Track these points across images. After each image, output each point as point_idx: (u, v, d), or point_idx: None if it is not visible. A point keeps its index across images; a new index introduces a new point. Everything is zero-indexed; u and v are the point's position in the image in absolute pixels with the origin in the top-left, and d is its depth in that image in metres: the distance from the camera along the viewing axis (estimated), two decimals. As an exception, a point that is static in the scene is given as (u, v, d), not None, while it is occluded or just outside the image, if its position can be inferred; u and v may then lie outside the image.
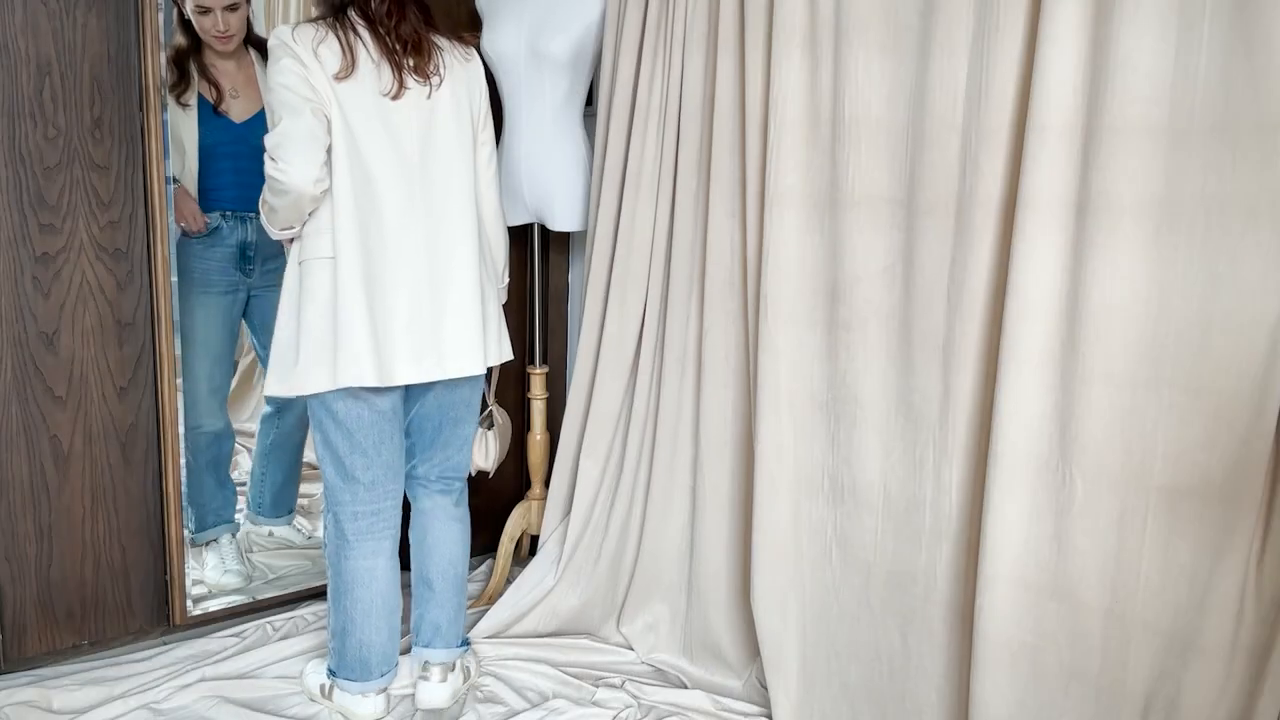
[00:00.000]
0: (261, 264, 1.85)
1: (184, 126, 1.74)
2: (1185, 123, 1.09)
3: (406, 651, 1.61)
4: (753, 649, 1.58)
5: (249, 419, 2.03)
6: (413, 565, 1.57)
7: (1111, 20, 1.11)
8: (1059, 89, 1.15)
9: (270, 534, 2.02)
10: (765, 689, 1.54)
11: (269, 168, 1.29)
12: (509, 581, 1.94)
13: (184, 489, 1.72)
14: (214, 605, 1.80)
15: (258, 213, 1.39)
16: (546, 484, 1.95)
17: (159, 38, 1.57)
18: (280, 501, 2.03)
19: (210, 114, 1.77)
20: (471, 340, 1.42)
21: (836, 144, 1.38)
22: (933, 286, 1.31)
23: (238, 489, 1.99)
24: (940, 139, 1.28)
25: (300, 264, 1.36)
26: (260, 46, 1.82)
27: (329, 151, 1.31)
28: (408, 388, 1.44)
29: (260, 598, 1.85)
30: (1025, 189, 1.18)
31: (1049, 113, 1.16)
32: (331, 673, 1.51)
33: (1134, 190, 1.13)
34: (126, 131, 1.59)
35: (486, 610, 1.84)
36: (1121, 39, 1.10)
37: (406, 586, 1.56)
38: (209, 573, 1.86)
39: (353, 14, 1.34)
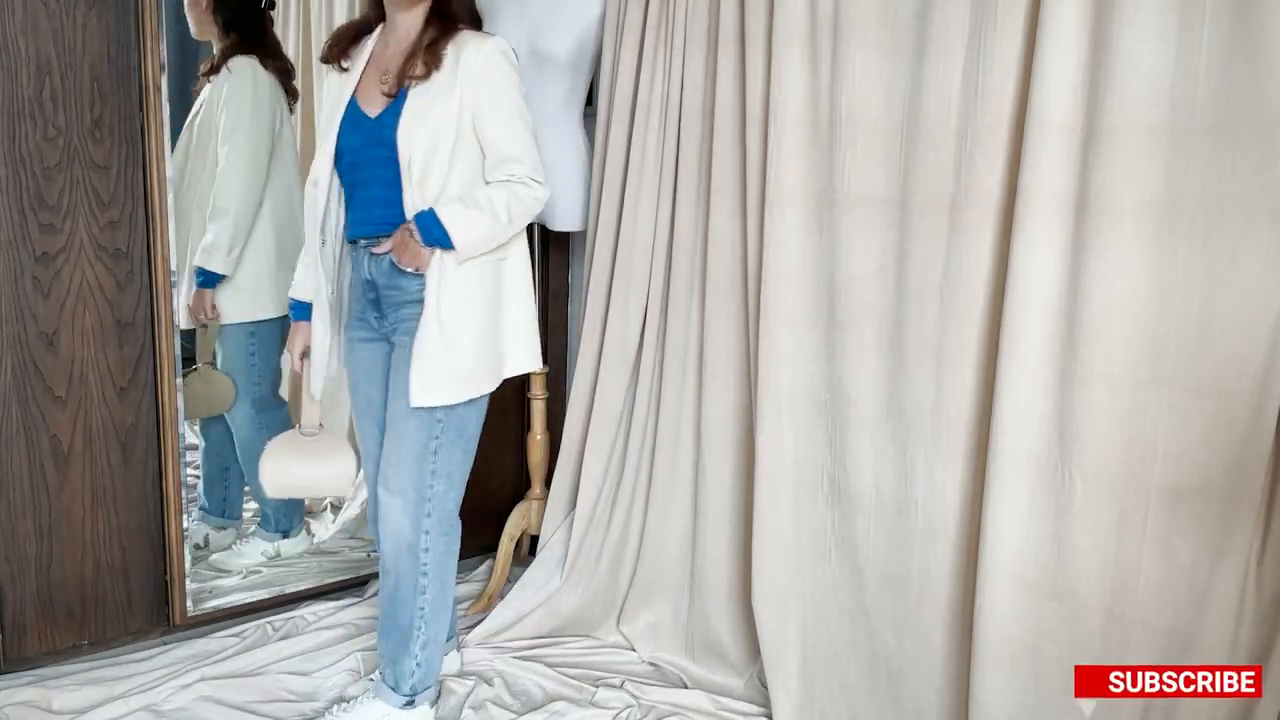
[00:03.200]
0: None
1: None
2: (1185, 122, 1.09)
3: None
4: (754, 648, 1.58)
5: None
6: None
7: (1111, 19, 1.11)
8: (1058, 88, 1.15)
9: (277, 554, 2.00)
10: (766, 688, 1.54)
11: (539, 192, 1.38)
12: (509, 581, 1.93)
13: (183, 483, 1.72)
14: (214, 605, 1.80)
15: None
16: (547, 484, 1.95)
17: (159, 37, 1.56)
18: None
19: None
20: None
21: (834, 144, 1.38)
22: (926, 287, 1.31)
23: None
24: (936, 139, 1.28)
25: (495, 262, 1.39)
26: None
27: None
28: None
29: (260, 598, 1.85)
30: (1024, 188, 1.18)
31: (1048, 112, 1.15)
32: (412, 699, 1.45)
33: (1134, 190, 1.13)
34: (126, 131, 1.59)
35: (487, 611, 1.84)
36: (1121, 38, 1.10)
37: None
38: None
39: None
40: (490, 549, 2.04)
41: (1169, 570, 1.14)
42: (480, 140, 1.36)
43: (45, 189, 1.54)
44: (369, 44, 1.43)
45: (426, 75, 1.33)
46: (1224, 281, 1.09)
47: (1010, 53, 1.21)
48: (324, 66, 1.46)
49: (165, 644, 1.70)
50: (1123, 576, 1.17)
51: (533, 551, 1.98)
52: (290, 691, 1.57)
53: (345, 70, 1.43)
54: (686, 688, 1.62)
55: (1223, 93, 1.07)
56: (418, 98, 1.33)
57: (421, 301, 1.36)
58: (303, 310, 1.50)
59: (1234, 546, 1.10)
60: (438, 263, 1.34)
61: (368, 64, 1.41)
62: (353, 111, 1.39)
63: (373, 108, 1.38)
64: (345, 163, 1.39)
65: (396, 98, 1.35)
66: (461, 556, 1.90)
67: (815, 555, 1.48)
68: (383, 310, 1.42)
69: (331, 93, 1.45)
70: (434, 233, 1.32)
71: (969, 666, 1.27)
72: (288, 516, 1.99)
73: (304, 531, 2.03)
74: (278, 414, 1.90)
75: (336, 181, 1.42)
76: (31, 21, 1.49)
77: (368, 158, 1.37)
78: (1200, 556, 1.12)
